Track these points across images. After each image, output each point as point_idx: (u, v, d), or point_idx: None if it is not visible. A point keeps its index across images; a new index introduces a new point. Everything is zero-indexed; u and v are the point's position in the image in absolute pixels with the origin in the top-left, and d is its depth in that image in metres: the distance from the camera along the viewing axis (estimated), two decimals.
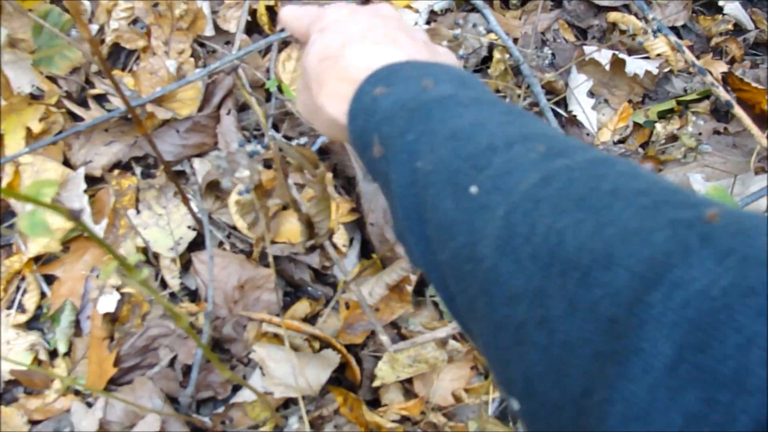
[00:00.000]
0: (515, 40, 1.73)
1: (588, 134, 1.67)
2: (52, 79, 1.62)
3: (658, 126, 1.71)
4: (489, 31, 1.69)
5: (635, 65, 1.71)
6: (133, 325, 1.47)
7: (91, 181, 1.59)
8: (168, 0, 1.61)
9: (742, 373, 0.31)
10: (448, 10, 1.79)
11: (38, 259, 1.52)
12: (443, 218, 0.51)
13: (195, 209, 1.51)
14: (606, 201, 0.42)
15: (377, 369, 1.42)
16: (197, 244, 1.53)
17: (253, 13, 1.73)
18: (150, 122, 1.59)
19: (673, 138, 1.68)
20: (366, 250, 1.57)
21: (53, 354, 1.46)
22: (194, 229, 1.53)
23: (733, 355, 0.32)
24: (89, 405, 1.39)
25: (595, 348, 0.37)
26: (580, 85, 1.69)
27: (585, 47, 1.73)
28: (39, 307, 1.49)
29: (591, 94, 1.73)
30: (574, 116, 1.67)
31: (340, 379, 1.48)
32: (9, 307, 1.47)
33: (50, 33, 1.57)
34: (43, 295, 1.50)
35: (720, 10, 1.92)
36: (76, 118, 1.63)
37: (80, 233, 1.54)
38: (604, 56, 1.69)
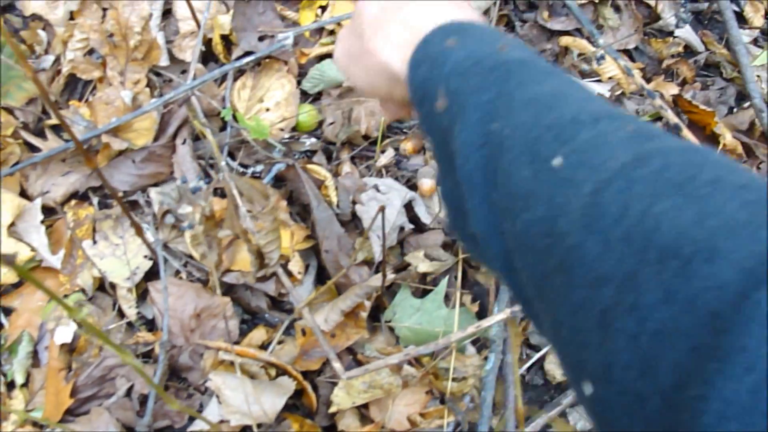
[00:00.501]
0: None
1: None
2: (8, 110, 1.63)
3: None
4: None
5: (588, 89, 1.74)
6: (91, 355, 1.48)
7: (48, 211, 1.60)
8: (123, 30, 1.62)
9: None
10: None
11: None
12: (518, 187, 0.49)
13: (150, 239, 1.52)
14: (706, 190, 0.40)
15: (333, 395, 1.44)
16: (154, 273, 1.54)
17: (208, 42, 1.74)
18: (106, 152, 1.60)
19: None
20: (322, 277, 1.59)
21: (11, 385, 1.47)
22: (150, 259, 1.54)
23: None
24: None
25: (693, 341, 0.36)
26: None
27: None
28: None
29: None
30: None
31: (297, 405, 1.49)
32: None
33: (6, 65, 1.58)
34: (0, 326, 1.51)
35: (671, 33, 1.95)
36: (33, 148, 1.64)
37: (37, 264, 1.54)
38: None
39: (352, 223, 1.61)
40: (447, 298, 1.56)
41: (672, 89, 1.84)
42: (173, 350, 1.47)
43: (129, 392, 1.45)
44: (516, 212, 0.49)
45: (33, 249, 1.54)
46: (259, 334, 1.51)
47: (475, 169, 0.53)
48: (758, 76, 1.91)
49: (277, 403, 1.40)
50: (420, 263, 1.54)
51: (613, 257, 0.41)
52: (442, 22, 0.62)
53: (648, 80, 1.87)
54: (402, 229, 1.59)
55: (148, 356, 1.49)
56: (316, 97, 1.76)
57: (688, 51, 1.96)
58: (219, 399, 1.40)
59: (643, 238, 0.40)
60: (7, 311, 1.52)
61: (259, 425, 1.37)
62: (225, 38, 1.76)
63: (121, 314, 1.53)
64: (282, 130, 1.68)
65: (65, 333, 1.48)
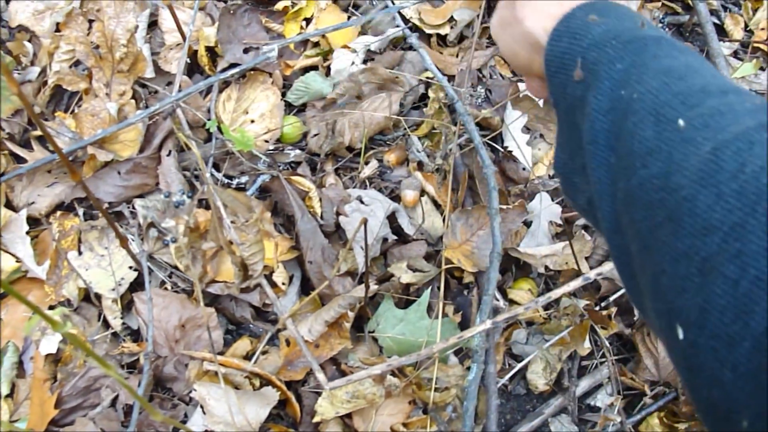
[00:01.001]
0: (452, 77, 1.77)
1: (524, 169, 1.71)
2: None
3: None
4: (425, 69, 1.73)
5: None
6: (76, 366, 1.49)
7: (34, 222, 1.61)
8: (108, 43, 1.63)
9: None
10: (386, 49, 1.83)
11: None
12: (639, 145, 0.53)
13: (135, 250, 1.53)
14: None
15: (317, 405, 1.45)
16: (139, 284, 1.55)
17: (193, 54, 1.76)
18: (91, 164, 1.61)
19: None
20: (306, 288, 1.60)
21: None
22: (135, 270, 1.55)
23: None
24: None
25: None
26: (514, 120, 1.73)
27: (520, 83, 1.78)
28: None
29: (527, 129, 1.77)
30: (510, 152, 1.71)
31: (281, 415, 1.51)
32: None
33: None
34: None
35: None
36: (18, 159, 1.65)
37: (23, 274, 1.55)
38: None
39: (336, 234, 1.62)
40: (430, 308, 1.57)
41: None
42: (158, 361, 1.48)
43: (114, 403, 1.46)
44: (632, 169, 0.53)
45: (18, 260, 1.55)
46: (243, 345, 1.53)
47: (600, 131, 0.58)
48: None
49: (261, 413, 1.41)
50: (403, 274, 1.55)
51: (723, 208, 0.44)
52: None
53: None
54: (385, 240, 1.60)
55: (133, 367, 1.50)
56: (301, 109, 1.78)
57: None
58: (203, 409, 1.41)
59: (756, 191, 0.43)
60: None
61: None
62: (210, 50, 1.78)
63: (107, 325, 1.54)
64: (267, 141, 1.69)
65: (50, 344, 1.48)
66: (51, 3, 1.77)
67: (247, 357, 1.51)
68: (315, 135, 1.70)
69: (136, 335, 1.55)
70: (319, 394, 1.47)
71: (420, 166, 1.70)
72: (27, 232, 1.57)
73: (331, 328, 1.51)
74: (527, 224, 1.67)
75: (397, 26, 1.81)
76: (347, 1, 1.89)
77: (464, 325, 1.57)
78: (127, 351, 1.50)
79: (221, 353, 1.50)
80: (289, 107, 1.77)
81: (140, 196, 1.62)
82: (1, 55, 1.68)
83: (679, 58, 0.58)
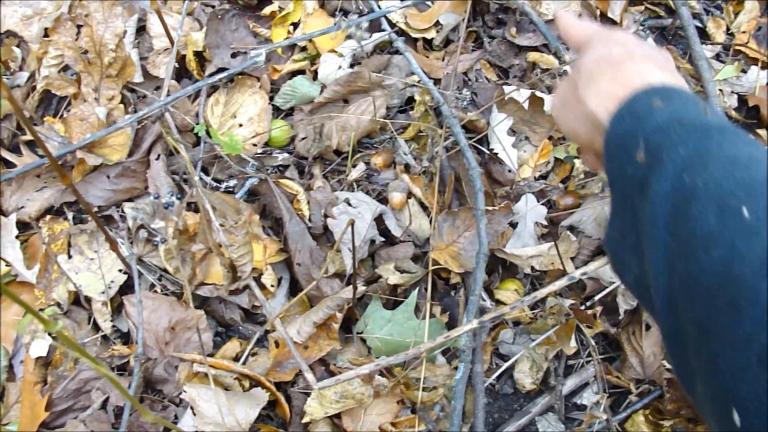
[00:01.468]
0: (438, 81, 1.79)
1: (510, 171, 1.73)
2: None
3: (577, 162, 1.78)
4: (411, 73, 1.75)
5: None
6: (66, 369, 1.50)
7: (24, 226, 1.62)
8: (97, 47, 1.65)
9: None
10: (373, 53, 1.85)
11: None
12: (701, 231, 0.54)
13: (125, 253, 1.54)
14: None
15: (306, 405, 1.46)
16: (129, 287, 1.56)
17: (182, 59, 1.77)
18: (81, 168, 1.62)
19: (593, 173, 1.75)
20: (295, 290, 1.61)
21: None
22: (125, 273, 1.56)
23: None
24: None
25: None
26: (500, 123, 1.75)
27: (504, 86, 1.80)
28: None
29: (512, 131, 1.79)
30: (496, 154, 1.73)
31: (270, 416, 1.52)
32: None
33: None
34: None
35: None
36: (8, 164, 1.65)
37: (12, 278, 1.56)
38: (522, 95, 1.75)
39: (324, 236, 1.64)
40: (417, 309, 1.59)
41: None
42: (148, 363, 1.50)
43: (104, 405, 1.47)
44: (694, 254, 0.54)
45: (8, 264, 1.56)
46: (233, 347, 1.54)
47: (661, 214, 0.59)
48: (720, 90, 1.96)
49: (251, 414, 1.43)
50: (390, 275, 1.57)
51: None
52: (652, 83, 0.69)
53: None
54: (373, 241, 1.62)
55: (123, 369, 1.51)
56: (289, 113, 1.79)
57: None
58: (193, 410, 1.42)
59: None
60: None
61: None
62: (198, 55, 1.79)
63: (97, 328, 1.55)
64: (255, 145, 1.71)
65: (41, 346, 1.49)
66: (39, 8, 1.78)
67: (237, 358, 1.53)
68: (303, 138, 1.71)
69: (126, 338, 1.56)
70: (308, 394, 1.48)
71: (407, 168, 1.72)
72: (17, 237, 1.58)
73: (320, 330, 1.52)
74: (513, 225, 1.69)
75: (383, 30, 1.83)
76: (334, 5, 1.90)
77: (451, 325, 1.59)
78: (118, 353, 1.51)
79: (211, 355, 1.51)
80: (277, 111, 1.79)
81: (129, 200, 1.64)
82: None
83: (743, 148, 0.59)
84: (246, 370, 1.47)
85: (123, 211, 1.63)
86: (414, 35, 1.88)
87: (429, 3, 1.91)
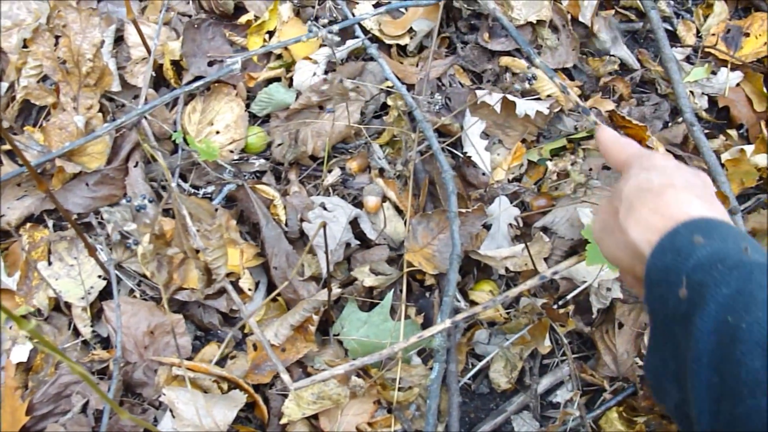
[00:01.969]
0: (412, 86, 1.82)
1: (483, 174, 1.75)
2: None
3: (550, 164, 1.80)
4: (385, 79, 1.78)
5: (526, 106, 1.80)
6: (47, 374, 1.52)
7: (4, 234, 1.64)
8: (75, 57, 1.67)
9: None
10: (347, 60, 1.87)
11: None
12: (747, 375, 0.55)
13: (104, 259, 1.57)
14: None
15: (284, 407, 1.49)
16: (109, 292, 1.58)
17: (159, 68, 1.79)
18: (60, 176, 1.64)
19: (566, 174, 1.78)
20: (272, 293, 1.63)
21: None
22: (104, 279, 1.58)
23: None
24: None
25: None
26: (472, 126, 1.78)
27: (477, 91, 1.82)
28: None
29: (485, 135, 1.82)
30: (469, 157, 1.76)
31: (249, 417, 1.54)
32: None
33: None
34: None
35: (607, 51, 2.03)
36: None
37: None
38: (494, 99, 1.78)
39: (300, 240, 1.66)
40: (393, 311, 1.61)
41: (608, 105, 1.91)
42: (127, 367, 1.52)
43: (84, 408, 1.49)
44: (741, 397, 0.56)
45: None
46: (211, 350, 1.56)
47: (705, 352, 0.60)
48: (691, 92, 2.00)
49: (229, 416, 1.45)
50: (366, 278, 1.59)
51: None
52: (692, 216, 0.69)
53: (586, 97, 1.95)
54: (348, 245, 1.64)
55: (103, 373, 1.54)
56: (265, 120, 1.82)
57: (625, 69, 2.04)
58: (172, 413, 1.44)
59: None
60: None
61: None
62: (175, 63, 1.81)
63: (77, 333, 1.57)
64: (232, 151, 1.73)
65: (21, 352, 1.52)
66: (18, 19, 1.80)
67: (216, 361, 1.55)
68: (279, 144, 1.74)
69: (106, 343, 1.59)
70: (286, 396, 1.51)
71: (381, 172, 1.74)
72: None
73: (297, 332, 1.55)
74: (488, 227, 1.72)
75: (357, 37, 1.85)
76: (310, 13, 1.93)
77: (426, 326, 1.61)
78: (98, 358, 1.53)
79: (190, 359, 1.54)
80: (253, 118, 1.81)
81: (108, 207, 1.66)
82: None
83: None
84: (224, 372, 1.50)
85: (102, 218, 1.65)
86: (388, 42, 1.90)
87: (402, 10, 1.94)
